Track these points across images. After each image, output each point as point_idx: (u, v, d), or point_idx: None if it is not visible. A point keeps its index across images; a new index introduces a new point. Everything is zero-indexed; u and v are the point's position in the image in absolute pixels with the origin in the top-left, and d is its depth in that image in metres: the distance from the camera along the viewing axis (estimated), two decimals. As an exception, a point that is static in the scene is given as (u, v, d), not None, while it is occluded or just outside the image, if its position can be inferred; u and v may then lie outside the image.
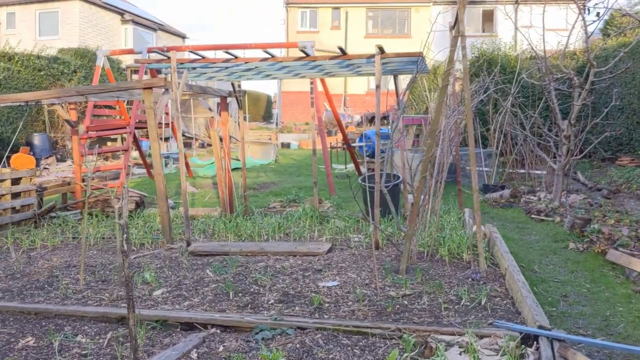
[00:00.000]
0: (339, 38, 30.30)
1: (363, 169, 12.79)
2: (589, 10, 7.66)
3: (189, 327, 4.01)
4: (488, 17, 30.76)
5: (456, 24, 7.09)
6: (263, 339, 3.71)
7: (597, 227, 6.49)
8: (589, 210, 7.82)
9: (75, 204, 8.48)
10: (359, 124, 25.54)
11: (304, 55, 6.64)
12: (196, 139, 20.07)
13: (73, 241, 7.01)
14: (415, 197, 5.05)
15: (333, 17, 31.91)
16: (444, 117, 5.87)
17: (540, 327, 3.54)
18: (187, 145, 18.56)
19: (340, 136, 18.41)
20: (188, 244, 6.24)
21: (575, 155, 8.89)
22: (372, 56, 6.07)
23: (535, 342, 3.42)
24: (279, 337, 3.74)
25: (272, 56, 6.55)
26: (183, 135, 14.81)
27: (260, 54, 10.93)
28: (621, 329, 3.98)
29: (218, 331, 3.91)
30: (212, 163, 15.16)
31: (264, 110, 39.60)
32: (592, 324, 4.11)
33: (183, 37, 32.88)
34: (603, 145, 11.34)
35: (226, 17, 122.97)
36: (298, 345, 3.59)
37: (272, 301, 4.46)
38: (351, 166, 13.98)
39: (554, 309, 4.41)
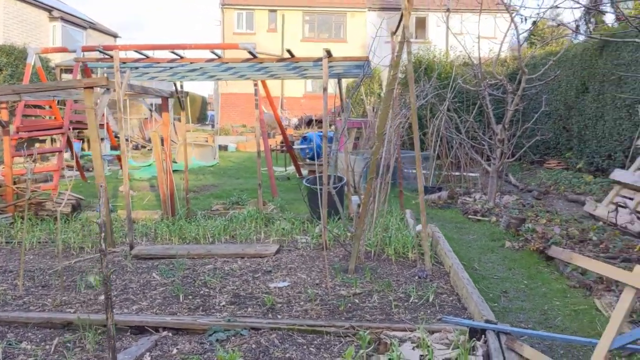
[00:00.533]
0: (276, 41, 30.34)
1: (304, 172, 12.88)
2: (525, 19, 8.05)
3: (140, 330, 3.93)
4: (421, 24, 31.65)
5: (397, 29, 7.29)
6: (217, 340, 3.69)
7: (531, 226, 6.83)
8: (522, 210, 8.21)
9: (7, 207, 8.09)
10: (296, 127, 25.64)
11: (250, 56, 6.63)
12: (130, 141, 19.54)
13: (7, 246, 6.69)
14: (364, 198, 5.15)
15: (270, 20, 31.91)
16: (389, 121, 6.02)
17: (487, 321, 3.71)
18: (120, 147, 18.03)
19: (279, 138, 18.44)
20: (131, 247, 6.09)
21: (508, 158, 9.31)
22: (320, 59, 6.15)
23: (482, 336, 3.58)
24: (233, 338, 3.73)
25: (219, 57, 6.50)
26: (116, 136, 14.38)
27: (200, 54, 10.83)
28: (559, 322, 4.22)
29: (170, 334, 3.86)
30: (149, 165, 14.82)
31: (198, 112, 39.00)
32: (532, 317, 4.32)
33: (115, 36, 31.91)
34: (532, 148, 11.90)
35: (154, 15, 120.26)
36: (254, 346, 3.59)
37: (223, 303, 4.43)
38: (291, 168, 14.03)
39: (496, 304, 4.61)
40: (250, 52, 6.44)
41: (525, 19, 7.89)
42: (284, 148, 14.91)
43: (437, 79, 11.48)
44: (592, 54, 10.87)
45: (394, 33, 7.29)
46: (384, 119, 5.10)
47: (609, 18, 20.86)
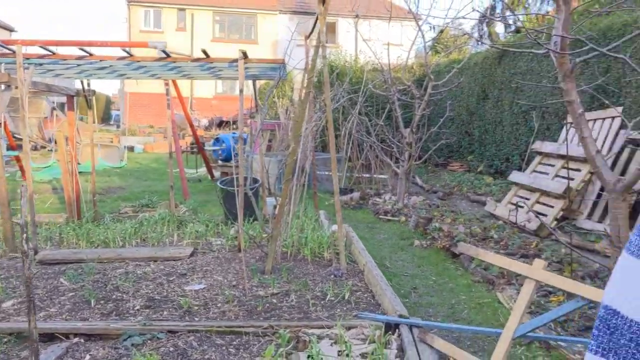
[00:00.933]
0: (185, 40, 29.75)
1: (216, 173, 12.74)
2: (434, 27, 8.44)
3: (49, 338, 3.76)
4: (331, 29, 32.16)
5: (311, 33, 7.41)
6: (133, 344, 3.61)
7: (438, 225, 7.17)
8: (428, 210, 8.58)
9: None
10: (207, 128, 25.26)
11: (164, 55, 6.50)
12: (29, 141, 18.42)
13: None
14: (281, 199, 5.20)
15: (179, 19, 31.23)
16: (305, 123, 6.11)
17: (400, 316, 3.88)
18: (19, 147, 16.97)
19: (188, 140, 18.09)
20: (35, 252, 5.78)
21: (416, 161, 9.70)
22: (236, 60, 6.13)
23: (397, 330, 3.74)
24: (149, 342, 3.66)
25: (131, 55, 6.32)
26: (13, 136, 13.52)
27: (107, 52, 10.43)
28: (465, 315, 4.47)
29: (82, 340, 3.72)
30: (49, 166, 14.07)
31: (102, 111, 37.44)
32: (441, 311, 4.56)
33: (10, 29, 30.02)
34: (437, 152, 12.44)
35: (48, 10, 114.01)
36: (172, 349, 3.55)
37: (137, 307, 4.33)
38: (202, 170, 13.82)
39: (407, 300, 4.81)
40: (163, 51, 6.31)
41: (434, 28, 8.27)
42: (195, 149, 14.65)
43: (349, 84, 11.76)
44: (492, 63, 11.56)
45: (307, 37, 7.41)
46: (300, 122, 5.18)
47: (500, 28, 22.28)
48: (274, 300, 4.46)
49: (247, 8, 31.48)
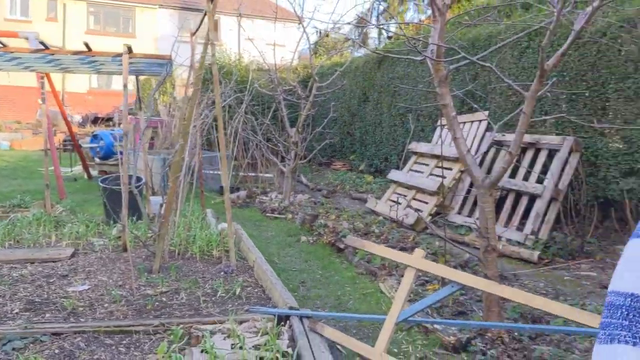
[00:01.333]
0: (57, 31, 27.98)
1: (94, 172, 12.17)
2: (320, 31, 8.68)
3: None
4: (214, 26, 31.74)
5: (197, 30, 7.36)
6: (14, 349, 3.44)
7: (323, 222, 7.43)
8: (314, 208, 8.84)
9: None
10: (80, 124, 23.94)
11: (42, 47, 6.14)
12: None
13: None
14: (169, 196, 5.15)
15: (49, 8, 29.25)
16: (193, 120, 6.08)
17: (291, 308, 4.02)
18: None
19: (60, 136, 17.06)
20: None
21: (301, 160, 9.94)
22: (120, 55, 5.96)
23: (287, 321, 3.88)
24: (32, 345, 3.51)
25: (4, 45, 5.90)
26: None
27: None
28: (351, 305, 4.72)
29: (-47, 349, 3.48)
30: None
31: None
32: (328, 303, 4.76)
33: None
34: (321, 151, 12.79)
35: None
36: (57, 351, 3.42)
37: (16, 310, 4.10)
38: (77, 169, 13.14)
39: (296, 293, 4.96)
40: (41, 43, 5.97)
41: (320, 32, 8.53)
42: (69, 146, 13.89)
43: (235, 82, 11.76)
44: (372, 67, 12.11)
45: (193, 34, 7.35)
46: (189, 119, 5.16)
47: (374, 34, 23.35)
48: (164, 299, 4.42)
49: (124, 1, 30.20)
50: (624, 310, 0.77)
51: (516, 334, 3.82)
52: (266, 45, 11.96)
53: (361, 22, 13.11)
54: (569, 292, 4.97)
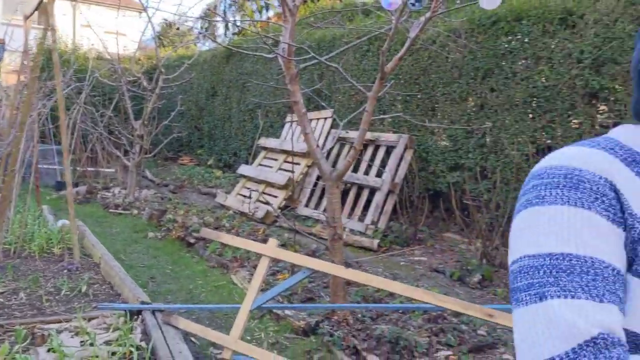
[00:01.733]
0: None
1: None
2: (171, 24, 8.48)
3: None
4: (45, 10, 29.36)
5: (32, 14, 6.86)
6: None
7: (172, 217, 7.33)
8: (161, 203, 8.66)
9: None
10: None
11: None
12: None
13: None
14: (4, 191, 4.78)
15: None
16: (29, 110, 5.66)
17: (142, 302, 3.98)
18: None
19: None
20: None
21: (147, 154, 9.65)
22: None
23: (139, 316, 3.84)
24: None
25: None
26: None
27: None
28: (203, 297, 4.76)
29: None
30: None
31: None
32: (180, 297, 4.76)
33: None
34: (167, 145, 12.51)
35: None
36: None
37: None
38: None
39: (145, 289, 4.86)
40: None
41: (171, 24, 8.35)
42: None
43: (74, 71, 11.07)
44: (220, 61, 12.09)
45: (27, 17, 6.83)
46: (27, 108, 4.83)
47: (220, 30, 23.34)
48: (1, 300, 4.12)
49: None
50: (545, 269, 0.73)
51: (359, 315, 4.15)
52: (105, 33, 11.39)
53: (210, 15, 13.00)
54: (404, 276, 5.46)
